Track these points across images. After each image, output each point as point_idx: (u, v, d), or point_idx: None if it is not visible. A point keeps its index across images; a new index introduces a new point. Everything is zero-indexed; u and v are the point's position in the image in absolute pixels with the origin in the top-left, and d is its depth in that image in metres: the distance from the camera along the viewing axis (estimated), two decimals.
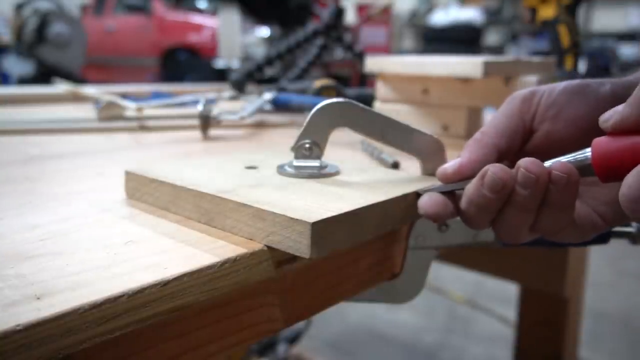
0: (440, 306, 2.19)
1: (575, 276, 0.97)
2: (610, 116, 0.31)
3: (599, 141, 0.30)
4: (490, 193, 0.31)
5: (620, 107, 0.30)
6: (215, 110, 0.71)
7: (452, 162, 0.35)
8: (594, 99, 0.34)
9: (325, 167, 0.40)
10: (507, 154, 0.36)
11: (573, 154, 0.31)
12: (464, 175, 0.34)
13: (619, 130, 0.30)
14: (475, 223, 0.33)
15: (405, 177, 0.40)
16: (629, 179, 0.28)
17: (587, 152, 0.31)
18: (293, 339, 1.54)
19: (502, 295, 2.09)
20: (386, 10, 4.02)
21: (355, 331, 2.01)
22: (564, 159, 0.32)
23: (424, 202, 0.33)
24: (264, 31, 1.87)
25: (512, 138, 0.36)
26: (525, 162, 0.31)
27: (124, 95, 0.92)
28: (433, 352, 1.88)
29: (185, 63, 5.43)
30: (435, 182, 0.37)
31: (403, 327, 2.03)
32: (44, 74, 3.60)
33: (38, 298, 0.23)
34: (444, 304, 2.20)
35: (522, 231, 0.33)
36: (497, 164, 0.32)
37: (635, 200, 0.27)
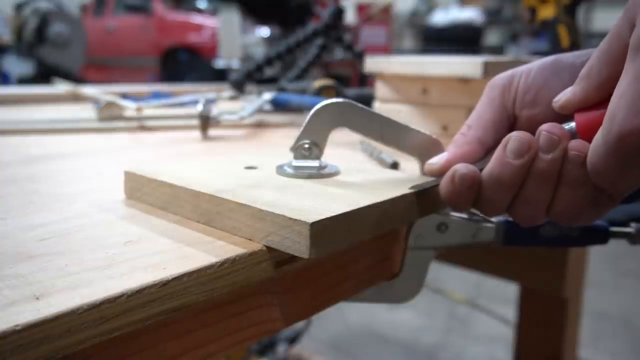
0: (440, 306, 2.19)
1: (575, 276, 0.97)
2: (560, 97, 0.32)
3: (581, 113, 0.31)
4: (515, 159, 0.31)
5: (569, 88, 0.32)
6: (215, 110, 0.71)
7: (438, 157, 0.36)
8: (568, 75, 0.34)
9: (325, 167, 0.40)
10: (495, 144, 0.35)
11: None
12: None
13: (567, 110, 0.32)
14: (493, 205, 0.33)
15: (405, 177, 0.40)
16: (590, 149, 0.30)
17: (572, 124, 0.32)
18: (293, 339, 1.54)
19: (502, 295, 2.09)
20: (386, 10, 4.01)
21: (355, 331, 2.01)
22: None
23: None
24: (264, 31, 1.87)
25: (497, 129, 0.36)
26: (546, 126, 0.31)
27: (124, 95, 0.92)
28: (433, 352, 1.88)
29: (185, 63, 5.43)
30: None
31: (403, 327, 2.03)
32: (44, 74, 3.60)
33: (37, 298, 0.23)
34: (444, 304, 2.20)
35: (541, 210, 0.33)
36: (518, 131, 0.32)
37: (596, 167, 0.29)
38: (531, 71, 0.35)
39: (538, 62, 0.35)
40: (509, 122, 0.36)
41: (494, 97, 0.36)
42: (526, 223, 0.34)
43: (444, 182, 0.34)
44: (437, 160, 0.36)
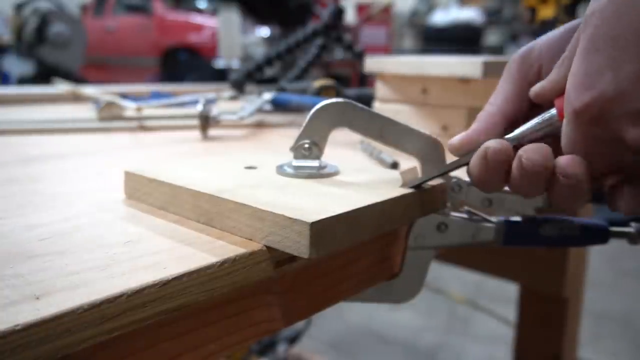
0: (440, 306, 2.19)
1: (575, 276, 0.97)
2: (536, 86, 0.33)
3: (560, 98, 0.32)
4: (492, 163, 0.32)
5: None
6: (215, 110, 0.71)
7: (459, 135, 0.35)
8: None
9: (325, 167, 0.40)
10: (516, 117, 0.35)
11: (541, 116, 0.33)
12: (471, 145, 0.34)
13: (543, 98, 0.33)
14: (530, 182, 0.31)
15: None
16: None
17: (552, 111, 0.32)
18: (293, 339, 1.54)
19: (502, 295, 2.09)
20: (386, 10, 4.01)
21: (355, 331, 2.01)
22: (533, 122, 0.33)
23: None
24: (264, 31, 1.87)
25: (518, 102, 0.35)
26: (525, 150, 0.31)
27: (124, 95, 0.92)
28: (433, 352, 1.88)
29: (185, 63, 5.42)
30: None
31: (403, 327, 2.03)
32: (44, 74, 3.60)
33: (37, 298, 0.23)
34: (444, 304, 2.20)
35: (582, 184, 0.30)
36: (494, 139, 0.32)
37: (567, 150, 0.30)
38: (552, 38, 0.35)
39: (560, 29, 0.35)
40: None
41: (512, 72, 0.36)
42: (567, 204, 0.32)
43: (475, 161, 0.33)
44: (458, 137, 0.35)
